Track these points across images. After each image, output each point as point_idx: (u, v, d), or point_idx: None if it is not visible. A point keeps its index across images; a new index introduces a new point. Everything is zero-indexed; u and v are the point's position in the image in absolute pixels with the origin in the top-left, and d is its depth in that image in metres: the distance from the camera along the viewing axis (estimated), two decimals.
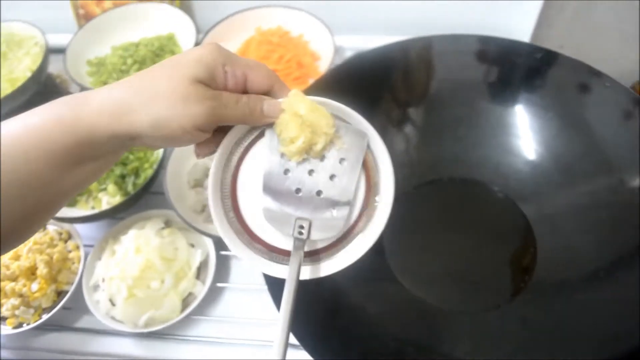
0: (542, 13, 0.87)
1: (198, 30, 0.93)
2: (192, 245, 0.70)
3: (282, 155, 0.41)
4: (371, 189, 0.44)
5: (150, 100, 0.35)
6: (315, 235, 0.42)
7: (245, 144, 0.43)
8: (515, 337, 0.55)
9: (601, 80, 0.61)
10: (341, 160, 0.42)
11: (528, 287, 0.58)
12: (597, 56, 0.64)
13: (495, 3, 0.90)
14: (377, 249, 0.61)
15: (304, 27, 0.94)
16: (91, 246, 0.71)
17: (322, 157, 0.42)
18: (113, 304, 0.66)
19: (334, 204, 0.42)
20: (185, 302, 0.67)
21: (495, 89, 0.66)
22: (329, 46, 0.88)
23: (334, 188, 0.42)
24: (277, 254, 0.44)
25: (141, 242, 0.65)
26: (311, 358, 0.48)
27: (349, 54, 0.97)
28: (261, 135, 0.43)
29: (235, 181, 0.43)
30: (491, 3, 0.90)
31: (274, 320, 0.57)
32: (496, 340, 0.55)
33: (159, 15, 0.98)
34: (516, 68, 0.65)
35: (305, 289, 0.52)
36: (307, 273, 0.44)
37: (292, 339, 0.45)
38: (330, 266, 0.44)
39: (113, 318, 0.65)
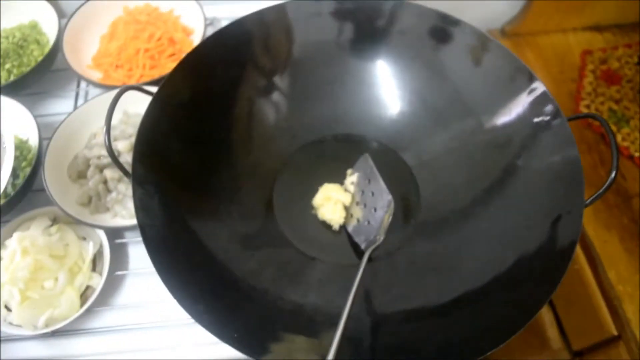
0: None
1: (62, 15, 0.89)
2: (84, 238, 0.70)
3: None
4: None
5: None
6: None
7: None
8: (405, 279, 0.59)
9: (456, 27, 0.65)
10: None
11: (414, 230, 0.63)
12: (462, 5, 0.67)
13: None
14: (267, 214, 0.64)
15: (172, 2, 0.92)
16: None
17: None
18: (9, 309, 0.64)
19: None
20: (84, 296, 0.66)
21: (357, 46, 0.68)
22: (199, 19, 0.88)
23: None
24: None
25: (27, 243, 0.64)
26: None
27: (225, 23, 0.97)
28: None
29: None
30: None
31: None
32: (388, 286, 0.59)
33: (16, 4, 0.92)
34: (373, 22, 0.67)
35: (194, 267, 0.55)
36: None
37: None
38: None
39: (11, 323, 0.64)
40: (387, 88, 0.70)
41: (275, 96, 0.68)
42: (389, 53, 0.68)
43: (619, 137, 1.04)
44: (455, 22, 0.64)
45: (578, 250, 0.96)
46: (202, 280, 0.54)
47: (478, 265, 0.57)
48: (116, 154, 0.71)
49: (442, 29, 0.66)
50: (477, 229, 0.60)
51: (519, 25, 1.26)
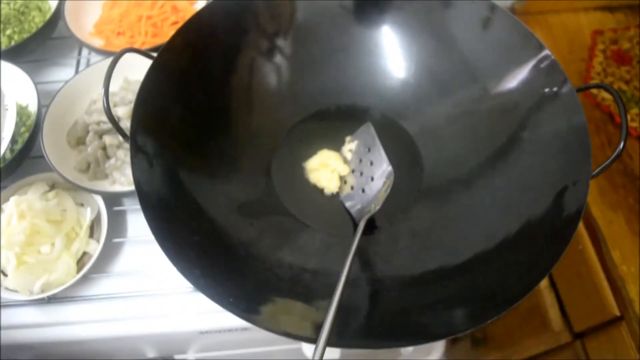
0: None
1: None
2: (82, 205, 0.69)
3: None
4: None
5: None
6: None
7: None
8: (407, 249, 0.58)
9: None
10: None
11: (417, 200, 0.62)
12: None
13: None
14: (266, 182, 0.63)
15: None
16: None
17: None
18: (5, 275, 0.64)
19: None
20: (81, 263, 0.66)
21: (363, 12, 0.66)
22: None
23: None
24: None
25: (24, 207, 0.63)
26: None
27: None
28: None
29: None
30: None
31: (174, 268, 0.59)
32: (389, 255, 0.58)
33: None
34: None
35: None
36: None
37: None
38: None
39: (7, 289, 0.64)
40: (392, 57, 0.68)
41: (278, 59, 0.66)
42: (395, 21, 0.66)
43: (627, 118, 1.02)
44: None
45: (582, 230, 0.95)
46: (200, 245, 0.54)
47: (481, 233, 0.56)
48: (116, 119, 0.70)
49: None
50: (481, 199, 0.59)
51: (529, 4, 1.24)
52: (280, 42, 0.66)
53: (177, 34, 0.60)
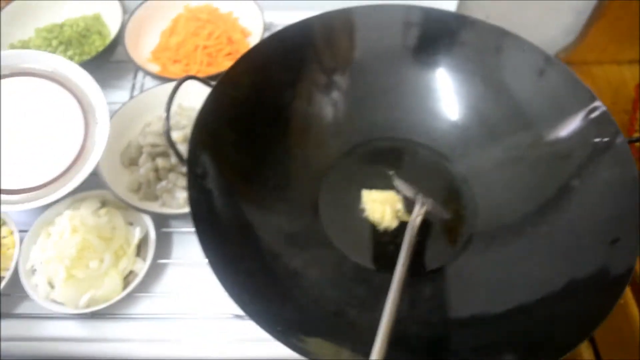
0: None
1: (124, 10, 0.91)
2: (131, 224, 0.70)
3: None
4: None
5: None
6: None
7: None
8: (452, 293, 0.58)
9: (518, 44, 0.65)
10: None
11: (462, 244, 0.61)
12: (520, 26, 0.68)
13: None
14: (313, 214, 0.63)
15: (233, 4, 0.94)
16: (26, 231, 0.69)
17: None
18: (52, 287, 0.65)
19: None
20: (126, 281, 0.67)
21: (419, 57, 0.68)
22: (258, 22, 0.89)
23: None
24: None
25: (77, 222, 0.65)
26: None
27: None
28: None
29: None
30: None
31: (216, 293, 0.60)
32: (434, 298, 0.58)
33: None
34: (438, 35, 0.67)
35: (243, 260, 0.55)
36: None
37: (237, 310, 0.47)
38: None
39: (53, 301, 0.65)
40: (443, 99, 0.69)
41: (333, 94, 0.68)
42: (450, 65, 0.68)
43: None
44: (519, 40, 0.64)
45: None
46: (249, 272, 0.54)
47: (526, 283, 0.55)
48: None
49: (506, 46, 0.66)
50: (526, 248, 0.59)
51: (572, 53, 1.24)
52: (338, 75, 0.67)
53: (236, 63, 0.62)
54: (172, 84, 0.78)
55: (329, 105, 0.68)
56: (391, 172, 0.65)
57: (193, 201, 0.53)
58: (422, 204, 0.58)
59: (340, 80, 0.68)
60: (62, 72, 0.59)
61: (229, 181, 0.59)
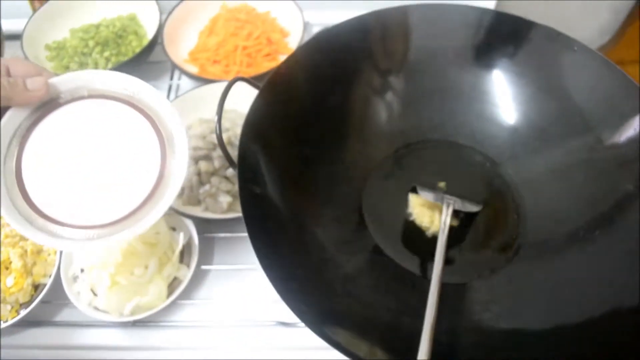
0: None
1: (161, 10, 0.90)
2: (174, 229, 0.69)
3: None
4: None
5: None
6: None
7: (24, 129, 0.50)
8: (502, 302, 0.56)
9: (570, 45, 0.62)
10: None
11: (513, 252, 0.59)
12: (557, 26, 0.65)
13: None
14: (359, 217, 0.61)
15: (271, 3, 0.92)
16: None
17: None
18: (95, 294, 0.64)
19: None
20: (171, 287, 0.65)
21: (472, 57, 0.66)
22: (298, 22, 0.87)
23: None
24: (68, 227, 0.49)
25: None
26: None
27: (316, 29, 0.96)
28: (41, 117, 0.50)
29: (20, 167, 0.49)
30: None
31: (258, 300, 0.62)
32: (485, 304, 0.56)
33: None
34: (491, 36, 0.65)
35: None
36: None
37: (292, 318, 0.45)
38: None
39: (96, 308, 0.63)
40: (495, 101, 0.67)
41: (389, 98, 0.66)
42: (507, 69, 0.65)
43: None
44: (574, 42, 0.63)
45: None
46: (302, 279, 0.53)
47: (569, 301, 0.53)
48: (211, 146, 0.70)
49: (560, 49, 0.64)
50: (573, 266, 0.56)
51: (608, 53, 1.21)
52: (392, 77, 0.65)
53: (284, 63, 0.60)
54: (211, 86, 0.78)
55: (378, 107, 0.66)
56: (441, 184, 0.63)
57: (245, 204, 0.51)
58: (448, 205, 0.58)
59: (394, 81, 0.66)
60: (143, 97, 0.54)
61: (279, 185, 0.57)
